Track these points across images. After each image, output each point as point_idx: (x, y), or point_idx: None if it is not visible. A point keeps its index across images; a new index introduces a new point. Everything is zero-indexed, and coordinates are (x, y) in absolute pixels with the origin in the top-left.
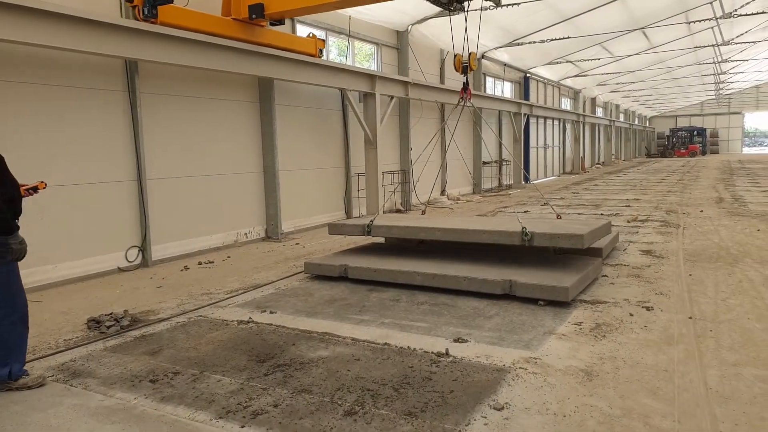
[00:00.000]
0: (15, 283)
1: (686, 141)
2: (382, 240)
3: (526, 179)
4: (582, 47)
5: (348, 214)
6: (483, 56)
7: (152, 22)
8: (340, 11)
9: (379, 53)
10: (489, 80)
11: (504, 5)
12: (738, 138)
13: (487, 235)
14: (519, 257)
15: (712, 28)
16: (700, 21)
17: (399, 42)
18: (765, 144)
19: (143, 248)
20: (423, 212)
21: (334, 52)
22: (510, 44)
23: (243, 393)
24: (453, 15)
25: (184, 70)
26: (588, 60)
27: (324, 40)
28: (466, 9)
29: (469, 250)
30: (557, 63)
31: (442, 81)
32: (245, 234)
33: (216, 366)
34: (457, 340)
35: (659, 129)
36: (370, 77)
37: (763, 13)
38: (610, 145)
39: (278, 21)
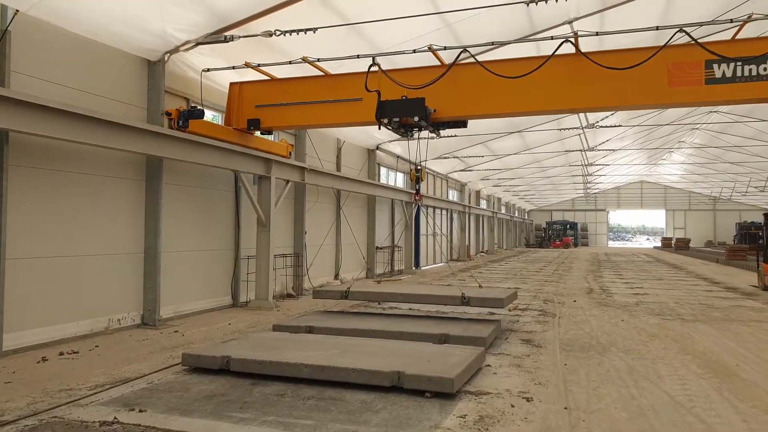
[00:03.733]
0: None
1: (560, 233)
2: (269, 327)
3: (417, 265)
4: (467, 145)
5: (235, 299)
6: (378, 147)
7: (183, 131)
8: None
9: (277, 138)
10: (383, 170)
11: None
12: (604, 232)
13: (436, 299)
14: (407, 349)
15: (579, 135)
16: (568, 129)
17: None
18: (626, 238)
19: None
20: (378, 282)
21: None
22: (401, 138)
23: None
24: (406, 137)
25: (63, 143)
26: (473, 157)
27: (293, 145)
28: (417, 137)
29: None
30: (445, 158)
31: (338, 168)
32: (118, 320)
33: None
34: None
35: (537, 221)
36: (266, 161)
37: (619, 126)
38: (493, 234)
39: (268, 132)
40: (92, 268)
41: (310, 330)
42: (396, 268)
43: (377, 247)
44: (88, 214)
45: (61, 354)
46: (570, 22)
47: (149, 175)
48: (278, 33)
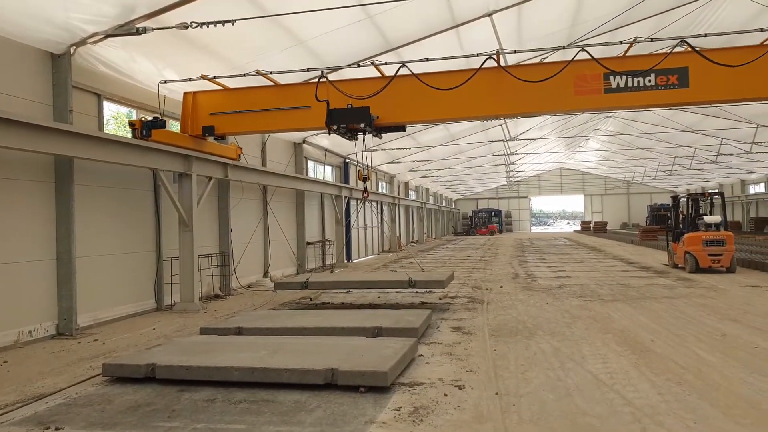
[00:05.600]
0: None
1: (486, 221)
2: (197, 331)
3: (348, 258)
4: (394, 137)
5: (159, 302)
6: (305, 141)
7: (146, 140)
8: (153, 93)
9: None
10: (311, 164)
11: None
12: (527, 218)
13: (387, 284)
14: (341, 345)
15: (501, 125)
16: (491, 120)
17: None
18: (548, 223)
19: None
20: (331, 271)
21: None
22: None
23: None
24: (352, 140)
25: None
26: (401, 149)
27: (241, 148)
28: (361, 139)
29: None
30: (373, 150)
31: (263, 163)
32: (29, 332)
33: None
34: None
35: (463, 210)
36: (186, 157)
37: (538, 114)
38: (423, 224)
39: (221, 137)
40: None
41: (240, 331)
42: (327, 263)
43: (308, 242)
44: None
45: None
46: (490, 15)
47: (59, 176)
48: (194, 25)
